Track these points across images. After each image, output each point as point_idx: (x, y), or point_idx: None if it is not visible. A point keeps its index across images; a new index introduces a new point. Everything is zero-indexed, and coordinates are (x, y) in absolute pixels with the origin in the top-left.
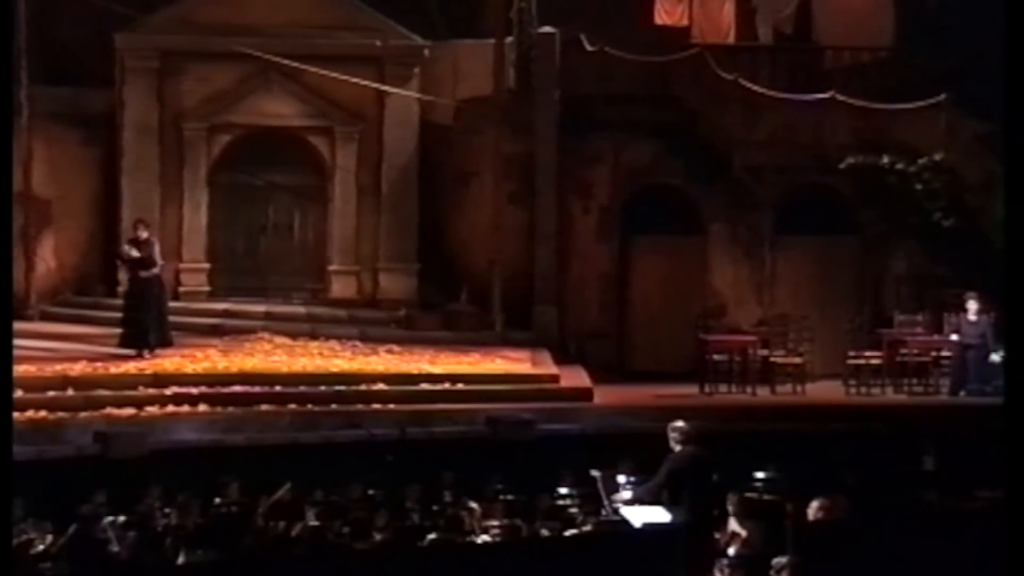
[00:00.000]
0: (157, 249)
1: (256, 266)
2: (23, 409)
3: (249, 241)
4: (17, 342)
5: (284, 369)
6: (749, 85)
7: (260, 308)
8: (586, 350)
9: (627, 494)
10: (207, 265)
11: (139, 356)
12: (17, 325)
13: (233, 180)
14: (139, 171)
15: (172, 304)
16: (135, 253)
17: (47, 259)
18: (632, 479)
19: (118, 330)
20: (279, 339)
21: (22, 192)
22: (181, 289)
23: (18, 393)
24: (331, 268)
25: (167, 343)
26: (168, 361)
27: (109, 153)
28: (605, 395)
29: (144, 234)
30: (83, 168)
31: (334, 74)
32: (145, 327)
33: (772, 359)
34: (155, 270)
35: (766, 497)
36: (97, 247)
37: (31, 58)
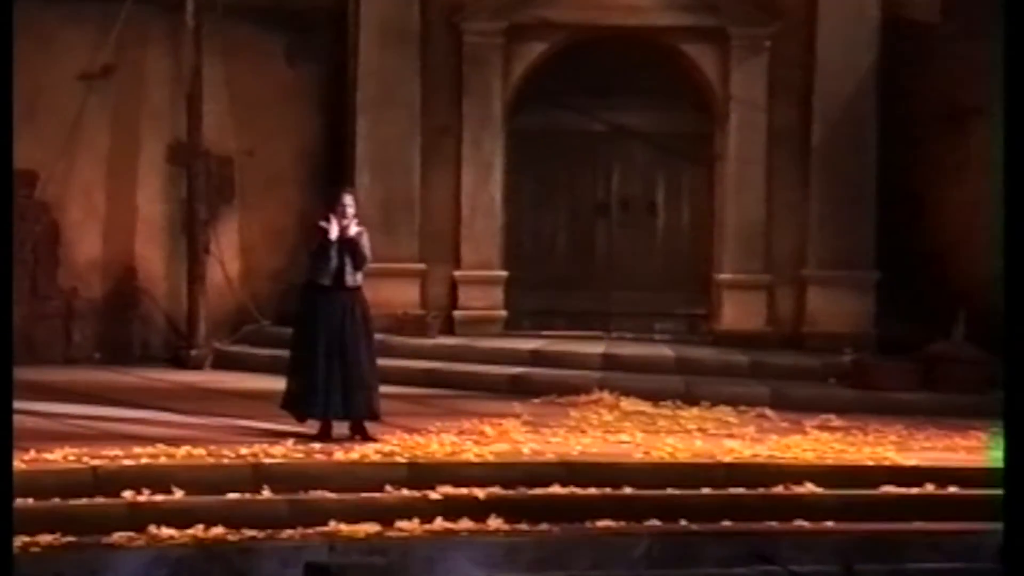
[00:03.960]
0: (366, 241)
1: (588, 274)
2: (186, 524)
3: (575, 231)
4: (172, 409)
5: (638, 457)
6: None
7: (595, 349)
8: None
9: None
10: (503, 273)
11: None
12: (175, 376)
13: (548, 123)
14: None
15: (446, 341)
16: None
17: (225, 263)
18: None
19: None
20: (628, 403)
21: (181, 144)
22: (458, 314)
23: (177, 494)
24: (721, 278)
25: (372, 415)
26: (434, 441)
27: (334, 77)
28: None
29: (352, 211)
30: (290, 103)
31: None
32: (328, 381)
33: None
34: (359, 278)
35: None
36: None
37: None
